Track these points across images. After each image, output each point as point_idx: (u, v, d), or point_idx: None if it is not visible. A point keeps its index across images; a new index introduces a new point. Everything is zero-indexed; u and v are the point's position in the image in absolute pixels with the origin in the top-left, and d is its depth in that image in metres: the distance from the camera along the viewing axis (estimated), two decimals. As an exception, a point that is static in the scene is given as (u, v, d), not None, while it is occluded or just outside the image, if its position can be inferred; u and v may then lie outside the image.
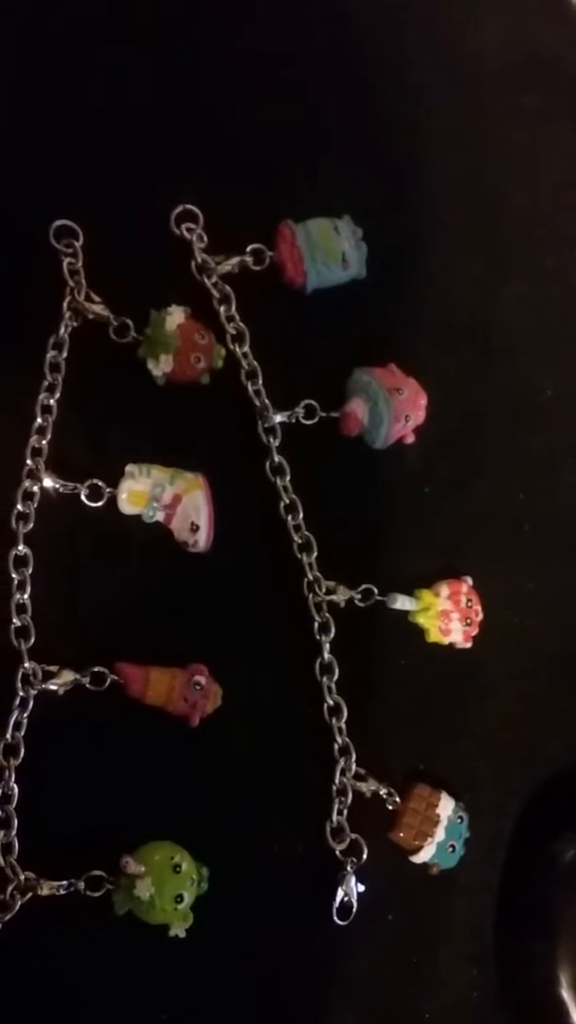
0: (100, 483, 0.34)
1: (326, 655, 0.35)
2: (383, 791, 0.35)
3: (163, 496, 0.34)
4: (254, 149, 0.39)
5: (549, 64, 0.44)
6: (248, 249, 0.37)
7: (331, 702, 0.35)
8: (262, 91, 0.40)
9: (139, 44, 0.39)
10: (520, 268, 0.42)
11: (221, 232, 0.37)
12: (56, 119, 0.38)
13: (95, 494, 0.34)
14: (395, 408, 0.36)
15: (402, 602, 0.36)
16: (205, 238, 0.37)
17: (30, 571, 0.34)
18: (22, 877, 0.32)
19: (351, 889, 0.34)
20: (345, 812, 0.34)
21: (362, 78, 0.41)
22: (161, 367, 0.35)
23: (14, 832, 0.32)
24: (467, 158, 0.42)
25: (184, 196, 0.37)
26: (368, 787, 0.35)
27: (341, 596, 0.36)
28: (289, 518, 0.36)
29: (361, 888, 0.34)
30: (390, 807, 0.35)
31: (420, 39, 0.43)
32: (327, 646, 0.35)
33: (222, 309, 0.37)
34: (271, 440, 0.36)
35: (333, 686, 0.35)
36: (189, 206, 0.37)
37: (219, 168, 0.39)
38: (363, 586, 0.36)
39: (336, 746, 0.35)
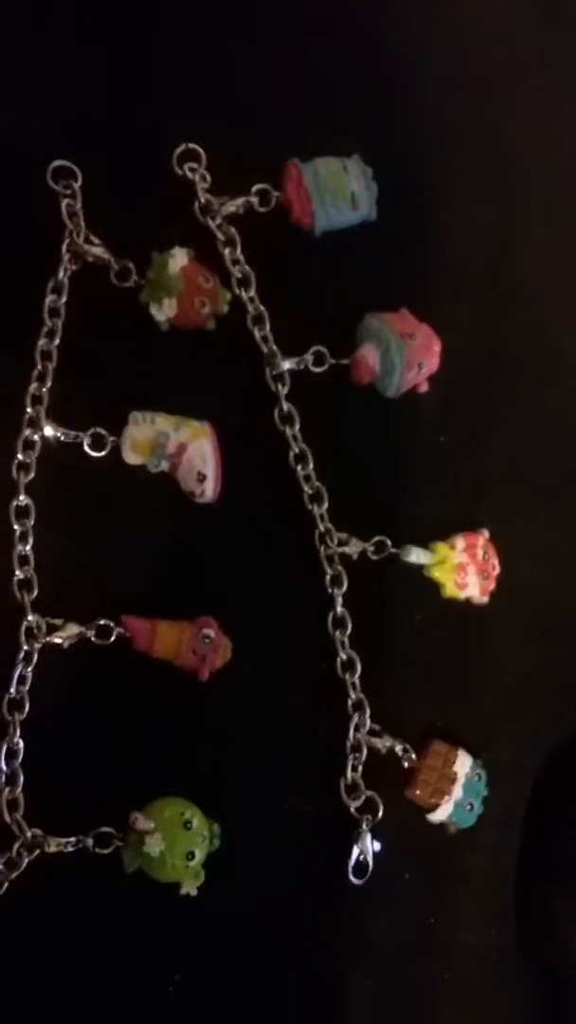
0: (103, 432, 0.34)
1: (339, 608, 0.35)
2: (399, 748, 0.34)
3: (168, 445, 0.33)
4: (259, 87, 0.38)
5: (562, 9, 0.43)
6: (253, 189, 0.36)
7: (344, 656, 0.34)
8: (268, 29, 0.39)
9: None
10: (536, 214, 0.41)
11: (225, 172, 0.36)
12: (54, 58, 0.37)
13: (98, 443, 0.34)
14: (408, 355, 0.35)
15: (417, 555, 0.35)
16: (208, 178, 0.36)
17: (32, 522, 0.33)
18: (28, 834, 0.31)
19: (367, 847, 0.33)
20: (360, 769, 0.34)
21: (375, 21, 0.40)
22: (164, 312, 0.34)
23: (19, 789, 0.32)
24: (481, 103, 0.41)
25: (186, 135, 0.36)
26: (383, 743, 0.34)
27: (354, 548, 0.35)
28: (299, 468, 0.35)
29: (377, 846, 0.33)
30: (406, 764, 0.34)
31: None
32: (340, 599, 0.35)
33: (227, 252, 0.36)
34: (279, 387, 0.35)
35: (346, 640, 0.34)
36: (192, 145, 0.36)
37: (223, 106, 0.37)
38: (376, 538, 0.35)
39: (350, 701, 0.34)
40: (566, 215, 0.41)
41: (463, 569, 0.35)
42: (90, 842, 0.31)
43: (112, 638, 0.32)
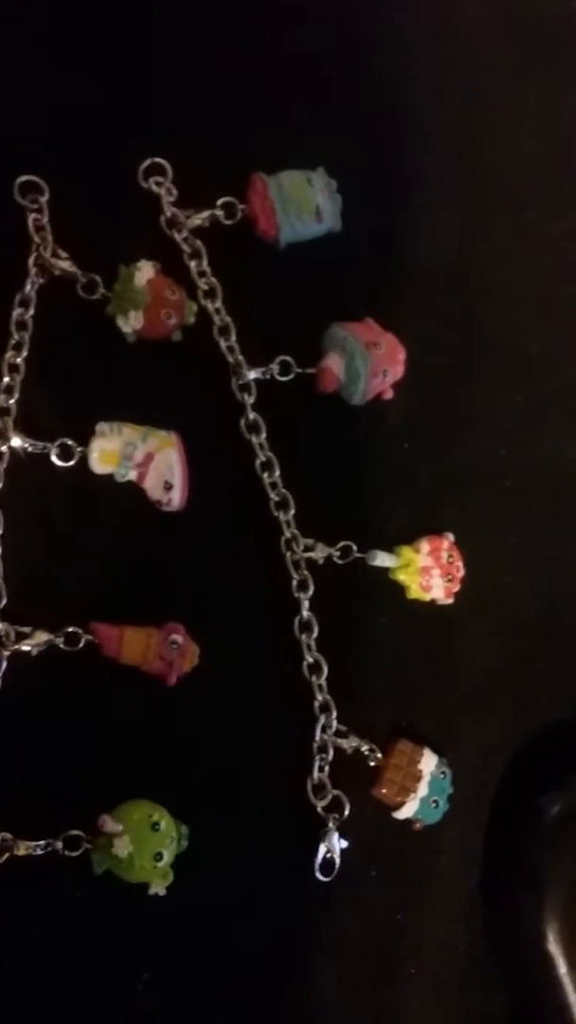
0: (71, 442, 0.34)
1: (305, 613, 0.35)
2: (365, 748, 0.35)
3: (135, 454, 0.34)
4: (224, 100, 0.38)
5: (529, 16, 0.44)
6: (219, 203, 0.37)
7: (311, 659, 0.35)
8: (233, 42, 0.39)
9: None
10: (501, 222, 0.41)
11: (191, 186, 0.37)
12: (20, 73, 0.37)
13: (66, 453, 0.34)
14: (372, 364, 0.36)
15: (382, 559, 0.36)
16: (174, 192, 0.37)
17: (0, 531, 0.33)
18: (-1, 837, 0.32)
19: (333, 845, 0.34)
20: (326, 769, 0.34)
21: (337, 28, 0.41)
22: (131, 324, 0.35)
23: (-10, 793, 0.32)
24: (446, 110, 0.41)
25: (152, 149, 0.36)
26: (349, 744, 0.35)
27: (319, 553, 0.35)
28: (265, 475, 0.36)
29: (343, 844, 0.34)
30: (372, 763, 0.35)
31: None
32: (306, 603, 0.35)
33: (193, 264, 0.36)
34: (246, 397, 0.36)
35: (313, 644, 0.35)
36: (157, 159, 0.36)
37: (188, 120, 0.38)
38: (342, 543, 0.36)
39: (316, 703, 0.35)
40: (530, 222, 0.41)
41: (428, 572, 0.36)
42: (59, 845, 0.32)
43: (81, 645, 0.33)
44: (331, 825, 0.34)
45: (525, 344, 0.40)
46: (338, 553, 0.36)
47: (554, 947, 0.36)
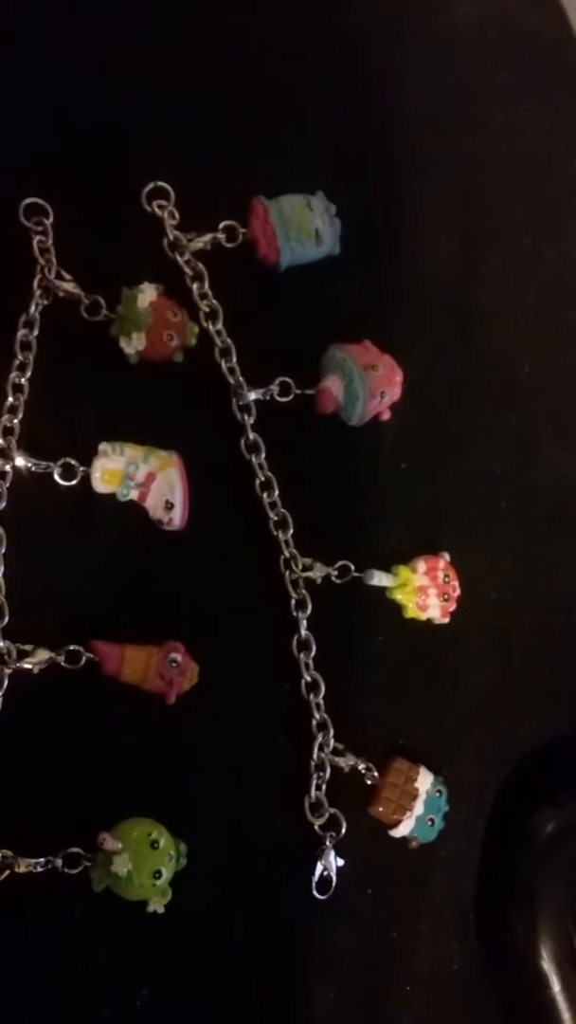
0: (73, 462, 0.34)
1: (303, 632, 0.35)
2: (361, 766, 0.35)
3: (137, 474, 0.34)
4: (226, 125, 0.39)
5: (525, 41, 0.44)
6: (220, 226, 0.37)
7: (308, 678, 0.35)
8: (234, 67, 0.40)
9: (111, 19, 0.39)
10: (496, 245, 0.42)
11: (193, 209, 0.37)
12: (26, 97, 0.38)
13: (68, 473, 0.34)
14: (370, 385, 0.36)
15: (379, 578, 0.36)
16: (177, 215, 0.37)
17: (3, 550, 0.34)
18: (-1, 855, 0.32)
19: (330, 863, 0.34)
20: (324, 787, 0.35)
21: (336, 54, 0.41)
22: (133, 345, 0.35)
23: (-10, 810, 0.32)
24: (443, 135, 0.42)
25: (155, 173, 0.37)
26: (346, 762, 0.35)
27: (318, 573, 0.36)
28: (265, 495, 0.36)
29: (340, 862, 0.34)
30: (369, 782, 0.35)
31: (398, 14, 0.42)
32: (304, 623, 0.35)
33: (195, 287, 0.37)
34: (246, 418, 0.36)
35: (311, 662, 0.35)
36: (160, 183, 0.37)
37: (190, 144, 0.38)
38: (340, 563, 0.36)
39: (314, 722, 0.35)
40: (525, 246, 0.42)
41: (424, 591, 0.36)
42: (59, 862, 0.32)
43: (81, 663, 0.33)
44: (328, 843, 0.34)
45: (519, 365, 0.41)
46: (336, 572, 0.36)
47: (548, 965, 0.36)
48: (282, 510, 0.36)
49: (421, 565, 0.37)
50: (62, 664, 0.33)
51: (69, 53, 0.39)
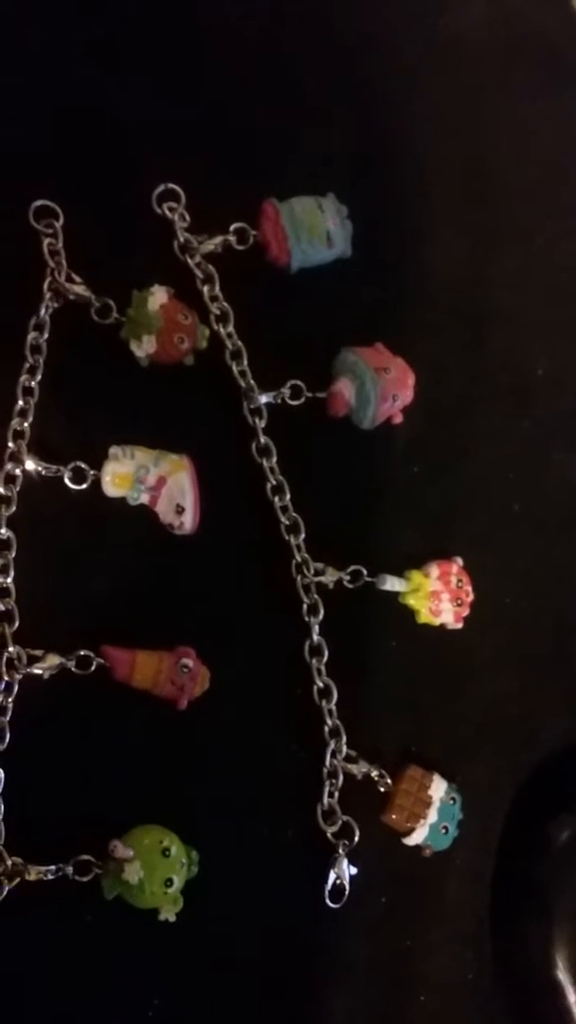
0: (84, 466, 0.34)
1: (315, 637, 0.35)
2: (375, 773, 0.35)
3: (148, 478, 0.34)
4: (237, 127, 0.39)
5: (535, 40, 0.44)
6: (231, 228, 0.37)
7: (321, 684, 0.35)
8: (245, 68, 0.40)
9: (119, 22, 0.39)
10: (509, 246, 0.42)
11: (204, 211, 0.37)
12: (35, 99, 0.38)
13: (79, 477, 0.34)
14: (382, 388, 0.36)
15: (392, 583, 0.36)
16: (187, 217, 0.37)
17: (13, 555, 0.33)
18: (9, 862, 0.31)
19: (343, 872, 0.34)
20: (336, 794, 0.34)
21: (347, 54, 0.41)
22: (144, 348, 0.35)
23: (0, 817, 0.32)
24: (455, 136, 0.42)
25: (166, 175, 0.37)
26: (359, 769, 0.35)
27: (330, 577, 0.35)
28: (276, 499, 0.36)
29: (353, 871, 0.34)
30: (382, 789, 0.35)
31: (407, 15, 0.42)
32: (316, 628, 0.35)
33: (205, 289, 0.37)
34: (257, 421, 0.36)
35: (323, 668, 0.35)
36: (171, 185, 0.37)
37: (201, 146, 0.38)
38: (352, 567, 0.36)
39: (326, 728, 0.35)
40: (537, 247, 0.42)
41: (437, 596, 0.36)
42: (70, 870, 0.32)
43: (92, 668, 0.33)
44: (341, 851, 0.34)
45: (532, 368, 0.41)
46: (348, 577, 0.36)
47: (563, 975, 0.36)
48: (293, 514, 0.36)
49: (434, 570, 0.36)
50: (73, 670, 0.33)
51: (79, 55, 0.39)
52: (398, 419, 0.37)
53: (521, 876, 0.37)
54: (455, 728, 0.37)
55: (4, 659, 0.32)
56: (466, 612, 0.37)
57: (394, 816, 0.35)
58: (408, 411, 0.37)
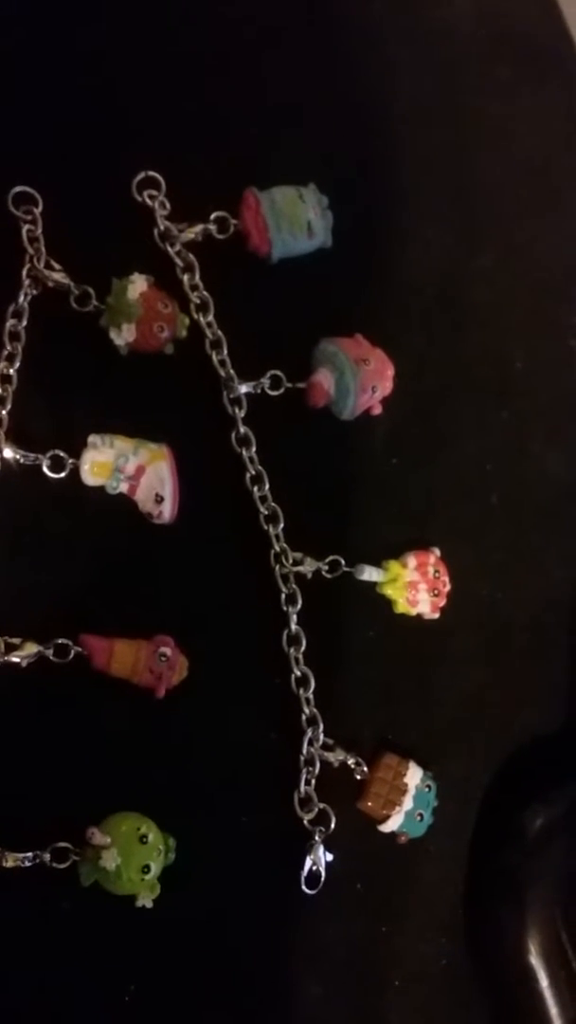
0: (62, 454, 0.34)
1: (293, 626, 0.35)
2: (351, 761, 0.35)
3: (127, 467, 0.34)
4: (218, 115, 0.39)
5: (519, 36, 0.44)
6: (212, 217, 0.37)
7: (298, 673, 0.35)
8: (228, 56, 0.40)
9: (102, 8, 0.39)
10: (489, 240, 0.42)
11: (184, 199, 0.37)
12: (14, 85, 0.37)
13: (57, 465, 0.34)
14: (362, 379, 0.36)
15: (369, 573, 0.36)
16: (168, 205, 0.37)
17: (-9, 543, 0.34)
18: (-14, 850, 0.31)
19: (319, 858, 0.34)
20: (313, 782, 0.35)
21: (331, 45, 0.41)
22: (124, 336, 0.35)
23: (-23, 805, 0.32)
24: (437, 129, 0.42)
25: (146, 162, 0.36)
26: (336, 757, 0.35)
27: (308, 567, 0.36)
28: (255, 489, 0.36)
29: (329, 857, 0.34)
30: (358, 777, 0.35)
31: (391, 9, 0.42)
32: (294, 617, 0.35)
33: (185, 278, 0.36)
34: (236, 411, 0.36)
35: (301, 657, 0.35)
36: (151, 173, 0.36)
37: (182, 134, 0.38)
38: (330, 557, 0.36)
39: (304, 717, 0.35)
40: (517, 240, 0.42)
41: (414, 586, 0.36)
42: (47, 857, 0.32)
43: (70, 657, 0.33)
44: (317, 838, 0.34)
45: (511, 361, 0.41)
46: (326, 567, 0.36)
47: (536, 960, 0.36)
48: (272, 504, 0.36)
49: (411, 560, 0.37)
50: (51, 658, 0.33)
51: (60, 43, 0.38)
52: (377, 410, 0.38)
53: (495, 864, 0.37)
54: (431, 717, 0.37)
55: (-19, 648, 0.32)
56: (443, 602, 0.37)
57: (370, 803, 0.35)
58: (387, 402, 0.38)
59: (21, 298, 0.35)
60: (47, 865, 0.32)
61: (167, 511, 0.34)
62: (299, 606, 0.35)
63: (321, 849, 0.34)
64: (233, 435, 0.36)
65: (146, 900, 0.32)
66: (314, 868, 0.34)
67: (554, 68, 0.44)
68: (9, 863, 0.31)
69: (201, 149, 0.38)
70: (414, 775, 0.35)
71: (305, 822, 0.34)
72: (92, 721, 0.34)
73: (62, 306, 0.35)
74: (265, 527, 0.36)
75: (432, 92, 0.42)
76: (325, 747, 0.35)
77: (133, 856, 0.31)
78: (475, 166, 0.42)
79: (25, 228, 0.35)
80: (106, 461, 0.34)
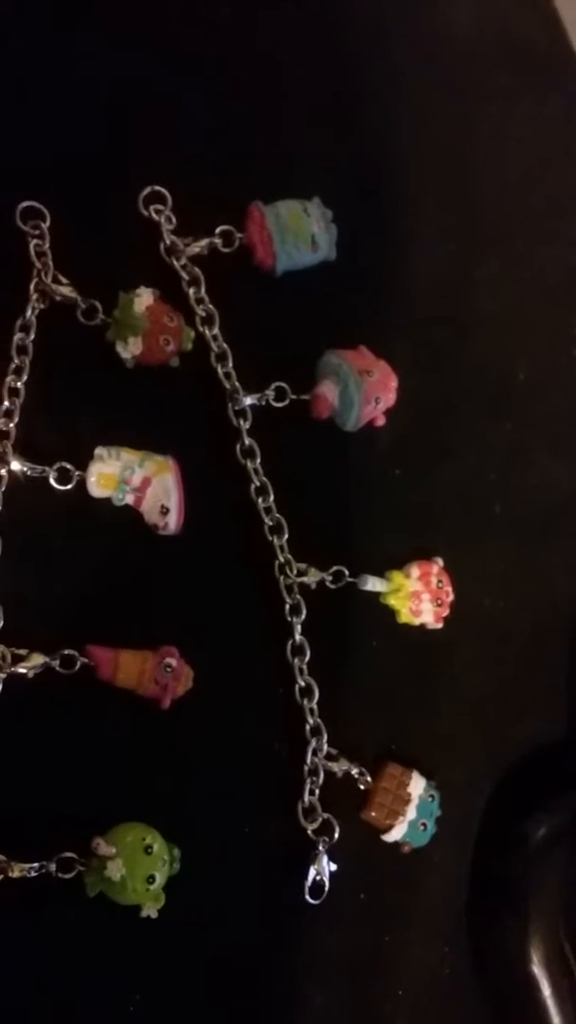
0: (69, 466, 0.34)
1: (297, 637, 0.35)
2: (355, 771, 0.35)
3: (133, 479, 0.34)
4: (223, 130, 0.39)
5: (519, 43, 0.44)
6: (217, 231, 0.37)
7: (302, 683, 0.35)
8: (232, 70, 0.40)
9: (106, 23, 0.39)
10: (492, 250, 0.42)
11: (190, 214, 0.37)
12: (22, 100, 0.38)
13: (64, 477, 0.34)
14: (365, 391, 0.36)
15: (373, 583, 0.36)
16: (174, 219, 0.37)
17: (-2, 554, 0.34)
18: (-8, 860, 0.32)
19: (323, 868, 0.34)
20: (317, 792, 0.35)
21: (333, 57, 0.41)
22: (130, 349, 0.35)
23: (-16, 815, 0.32)
24: (439, 139, 0.42)
25: (152, 177, 0.37)
26: (339, 767, 0.35)
27: (312, 578, 0.36)
28: (259, 500, 0.36)
29: (333, 867, 0.34)
30: (361, 787, 0.35)
31: (391, 17, 0.43)
32: (298, 628, 0.35)
33: (191, 291, 0.37)
34: (241, 423, 0.36)
35: (304, 667, 0.35)
36: (157, 187, 0.37)
37: (188, 149, 0.38)
38: (334, 568, 0.36)
39: (308, 727, 0.35)
40: (519, 250, 0.42)
41: (418, 597, 0.37)
42: (53, 867, 0.32)
43: (76, 667, 0.33)
44: (321, 848, 0.34)
45: (513, 372, 0.41)
46: (330, 578, 0.36)
47: (538, 969, 0.36)
48: (277, 515, 0.36)
49: (415, 570, 0.37)
50: (57, 669, 0.33)
51: (67, 56, 0.39)
52: (381, 421, 0.38)
53: (497, 873, 0.37)
54: (434, 727, 0.37)
55: (-11, 658, 0.33)
56: (446, 612, 0.37)
57: (373, 813, 0.35)
58: (391, 413, 0.38)
59: (29, 312, 0.35)
60: (53, 875, 0.32)
61: (172, 522, 0.35)
62: (303, 616, 0.35)
63: (325, 859, 0.34)
64: (238, 447, 0.36)
65: (151, 910, 0.32)
66: (318, 878, 0.34)
67: (554, 74, 0.45)
68: (15, 873, 0.31)
69: (206, 163, 0.38)
70: (417, 785, 0.35)
71: (309, 832, 0.34)
72: (97, 732, 0.34)
73: (69, 320, 0.36)
74: (270, 538, 0.36)
75: (433, 100, 0.42)
76: (329, 757, 0.35)
77: (138, 866, 0.32)
78: (476, 174, 0.42)
79: (33, 243, 0.35)
80: (112, 473, 0.34)
